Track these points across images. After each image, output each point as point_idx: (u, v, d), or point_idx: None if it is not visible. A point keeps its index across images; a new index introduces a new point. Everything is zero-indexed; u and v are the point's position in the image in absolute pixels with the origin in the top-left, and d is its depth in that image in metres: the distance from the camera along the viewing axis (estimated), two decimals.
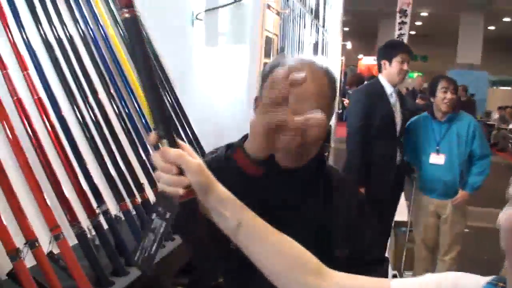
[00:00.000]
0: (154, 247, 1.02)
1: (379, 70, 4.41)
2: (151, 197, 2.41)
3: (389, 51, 4.34)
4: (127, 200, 2.25)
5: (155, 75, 1.01)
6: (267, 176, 1.32)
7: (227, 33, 3.43)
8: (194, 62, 3.40)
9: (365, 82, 6.96)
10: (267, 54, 3.98)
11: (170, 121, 1.04)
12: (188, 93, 3.16)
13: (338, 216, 1.59)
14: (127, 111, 2.53)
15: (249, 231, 1.06)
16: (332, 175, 1.67)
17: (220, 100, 3.44)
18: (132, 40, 0.98)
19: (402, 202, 4.89)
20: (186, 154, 1.02)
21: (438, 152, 4.29)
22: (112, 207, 2.15)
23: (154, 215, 1.03)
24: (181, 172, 1.01)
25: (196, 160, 1.02)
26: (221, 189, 1.06)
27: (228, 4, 3.39)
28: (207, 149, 2.96)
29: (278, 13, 4.28)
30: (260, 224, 1.08)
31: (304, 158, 1.51)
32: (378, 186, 4.13)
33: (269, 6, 3.88)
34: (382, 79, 4.31)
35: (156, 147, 1.08)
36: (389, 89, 4.28)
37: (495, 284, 0.87)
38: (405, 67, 4.27)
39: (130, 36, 0.98)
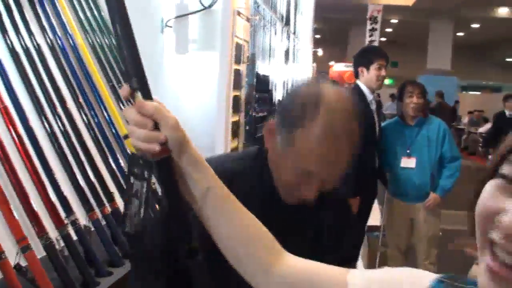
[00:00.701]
0: (141, 211, 0.95)
1: (356, 77, 4.40)
2: (122, 206, 2.39)
3: (366, 57, 4.35)
4: (97, 210, 2.22)
5: (130, 24, 0.96)
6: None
7: (197, 40, 3.42)
8: (163, 68, 3.38)
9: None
10: (238, 61, 3.97)
11: (145, 74, 0.97)
12: (158, 99, 3.14)
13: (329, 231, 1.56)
14: (96, 120, 2.50)
15: (216, 198, 1.02)
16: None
17: (189, 107, 3.42)
18: None
19: (375, 207, 4.91)
20: (163, 108, 0.98)
21: (409, 155, 4.31)
22: (81, 217, 2.12)
23: (131, 179, 0.97)
24: (156, 127, 0.95)
25: (172, 115, 0.98)
26: (195, 150, 1.01)
27: (198, 11, 3.38)
28: None
29: (248, 20, 4.27)
30: (227, 194, 1.04)
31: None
32: (364, 195, 4.14)
33: (239, 13, 3.88)
34: (362, 85, 4.29)
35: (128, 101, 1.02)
36: (369, 95, 4.29)
37: (441, 281, 0.86)
38: (383, 73, 4.29)
39: None
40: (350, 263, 1.58)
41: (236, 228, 1.03)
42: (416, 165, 4.26)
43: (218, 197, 1.02)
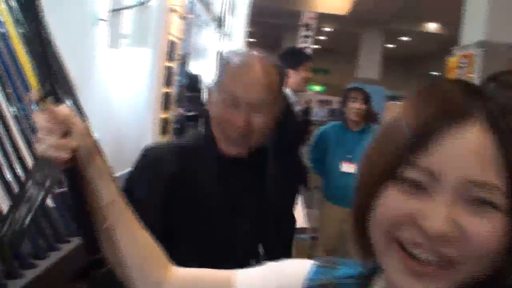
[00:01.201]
0: (27, 219, 0.90)
1: None
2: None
3: (293, 59, 4.27)
4: None
5: (43, 25, 0.93)
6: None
7: (131, 35, 3.42)
8: (96, 63, 3.36)
9: None
10: (170, 58, 3.98)
11: (56, 78, 0.94)
12: (89, 94, 3.11)
13: (270, 212, 1.80)
14: (25, 112, 2.45)
15: (120, 211, 1.03)
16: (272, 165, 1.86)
17: (121, 102, 3.42)
18: None
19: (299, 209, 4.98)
20: (75, 115, 0.96)
21: (350, 161, 4.30)
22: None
23: (29, 183, 0.91)
24: (66, 134, 0.92)
25: (83, 122, 0.96)
26: (103, 160, 1.02)
27: (132, 6, 3.38)
28: (106, 150, 2.93)
29: (182, 18, 4.29)
30: (128, 209, 1.06)
31: (247, 145, 1.67)
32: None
33: (174, 10, 3.90)
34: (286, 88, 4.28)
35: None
36: (292, 98, 4.22)
37: (318, 264, 0.94)
38: (310, 75, 4.28)
39: None
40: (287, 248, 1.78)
41: (134, 243, 1.05)
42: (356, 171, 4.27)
43: (121, 209, 1.04)
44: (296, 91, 4.27)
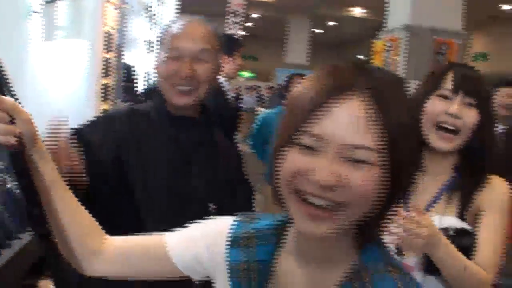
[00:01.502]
0: None
1: None
2: None
3: (228, 46, 4.05)
4: None
5: None
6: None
7: (66, 27, 3.38)
8: (30, 56, 3.31)
9: None
10: (107, 49, 3.97)
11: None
12: (24, 87, 3.08)
13: (221, 170, 1.90)
14: None
15: (61, 190, 1.16)
16: (216, 129, 2.00)
17: (57, 95, 3.38)
18: None
19: None
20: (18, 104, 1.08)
21: None
22: None
23: None
24: (12, 122, 1.04)
25: (26, 110, 1.09)
26: (43, 145, 1.14)
27: None
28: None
29: (117, 8, 4.27)
30: (67, 188, 1.18)
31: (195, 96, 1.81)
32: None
33: (109, 1, 3.88)
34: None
35: None
36: (226, 85, 4.20)
37: (239, 219, 1.12)
38: (242, 62, 4.27)
39: None
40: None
41: (72, 215, 1.18)
42: None
43: (62, 188, 1.17)
44: (230, 78, 4.27)
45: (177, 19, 1.90)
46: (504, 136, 3.29)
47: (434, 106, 1.75)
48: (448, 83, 1.75)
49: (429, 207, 1.76)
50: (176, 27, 1.81)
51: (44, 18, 3.32)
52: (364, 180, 0.86)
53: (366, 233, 0.95)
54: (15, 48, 3.13)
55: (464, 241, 1.63)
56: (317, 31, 25.45)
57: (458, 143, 1.74)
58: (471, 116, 1.72)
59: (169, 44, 1.79)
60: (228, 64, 4.19)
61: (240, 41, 4.51)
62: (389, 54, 8.09)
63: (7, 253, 2.21)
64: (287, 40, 22.23)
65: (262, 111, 9.11)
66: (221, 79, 4.21)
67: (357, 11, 21.21)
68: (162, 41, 1.84)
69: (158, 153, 1.79)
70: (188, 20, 1.85)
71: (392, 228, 1.48)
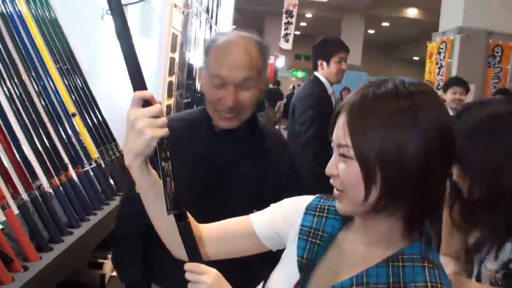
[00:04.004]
0: (173, 186, 1.15)
1: (315, 69, 4.25)
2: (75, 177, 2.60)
3: (326, 50, 4.20)
4: (55, 178, 2.41)
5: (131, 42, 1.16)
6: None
7: (136, 28, 3.63)
8: (104, 54, 3.58)
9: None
10: (173, 49, 4.21)
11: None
12: (98, 82, 3.34)
13: (271, 175, 1.93)
14: (49, 100, 2.64)
15: (156, 191, 1.23)
16: (268, 135, 2.01)
17: (128, 90, 3.61)
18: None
19: None
20: None
21: None
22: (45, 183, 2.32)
23: (161, 162, 1.15)
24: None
25: None
26: None
27: (136, 2, 3.61)
28: (115, 133, 3.19)
29: (182, 11, 4.52)
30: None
31: (239, 120, 1.84)
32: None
33: (175, 5, 4.12)
34: (321, 77, 4.17)
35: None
36: (329, 89, 4.18)
37: (321, 197, 1.33)
38: (343, 66, 4.19)
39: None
40: None
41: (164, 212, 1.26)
42: None
43: (157, 190, 1.23)
44: (329, 82, 4.21)
45: (221, 35, 1.84)
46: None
47: None
48: None
49: None
50: (220, 49, 1.77)
51: None
52: (347, 169, 1.09)
53: (409, 228, 1.13)
54: (91, 47, 3.40)
55: None
56: (370, 31, 25.28)
57: None
58: None
59: (212, 68, 1.78)
60: (326, 69, 4.19)
61: (338, 44, 4.36)
62: (442, 56, 8.11)
63: (85, 226, 2.47)
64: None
65: None
66: (324, 81, 4.19)
67: (411, 12, 20.98)
68: (206, 61, 1.83)
69: (196, 163, 1.86)
70: (233, 40, 1.79)
71: None
